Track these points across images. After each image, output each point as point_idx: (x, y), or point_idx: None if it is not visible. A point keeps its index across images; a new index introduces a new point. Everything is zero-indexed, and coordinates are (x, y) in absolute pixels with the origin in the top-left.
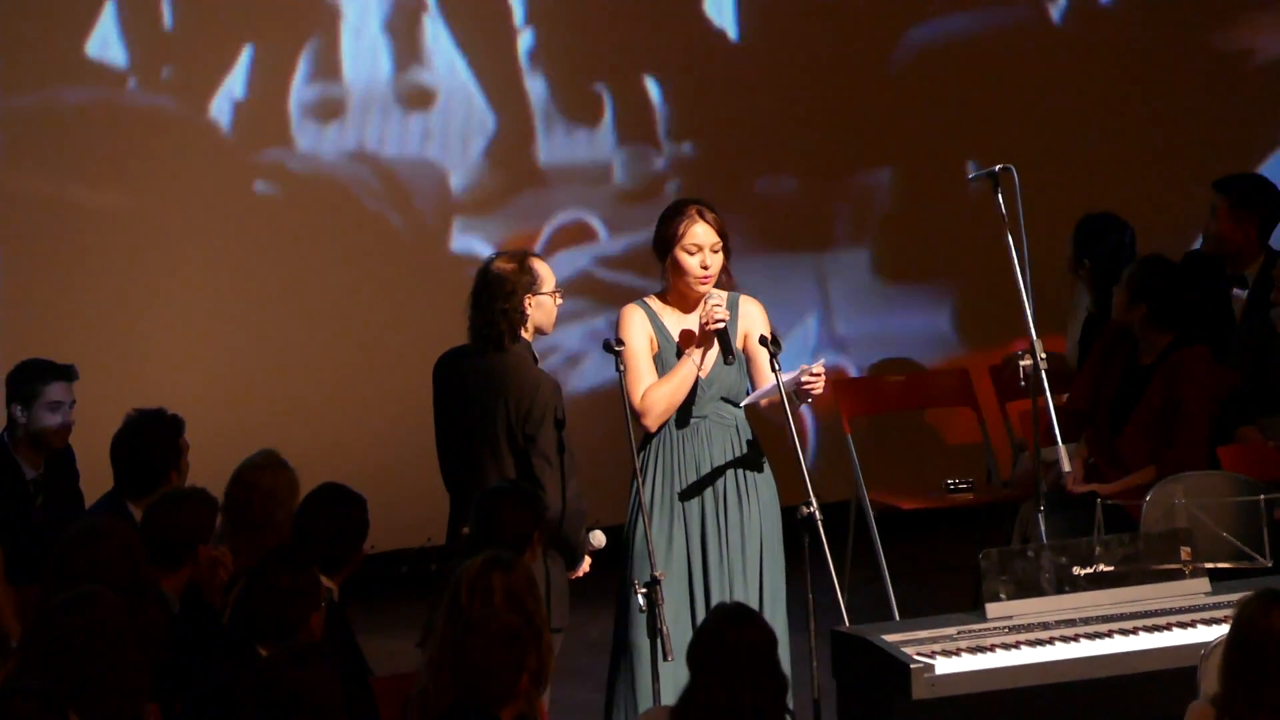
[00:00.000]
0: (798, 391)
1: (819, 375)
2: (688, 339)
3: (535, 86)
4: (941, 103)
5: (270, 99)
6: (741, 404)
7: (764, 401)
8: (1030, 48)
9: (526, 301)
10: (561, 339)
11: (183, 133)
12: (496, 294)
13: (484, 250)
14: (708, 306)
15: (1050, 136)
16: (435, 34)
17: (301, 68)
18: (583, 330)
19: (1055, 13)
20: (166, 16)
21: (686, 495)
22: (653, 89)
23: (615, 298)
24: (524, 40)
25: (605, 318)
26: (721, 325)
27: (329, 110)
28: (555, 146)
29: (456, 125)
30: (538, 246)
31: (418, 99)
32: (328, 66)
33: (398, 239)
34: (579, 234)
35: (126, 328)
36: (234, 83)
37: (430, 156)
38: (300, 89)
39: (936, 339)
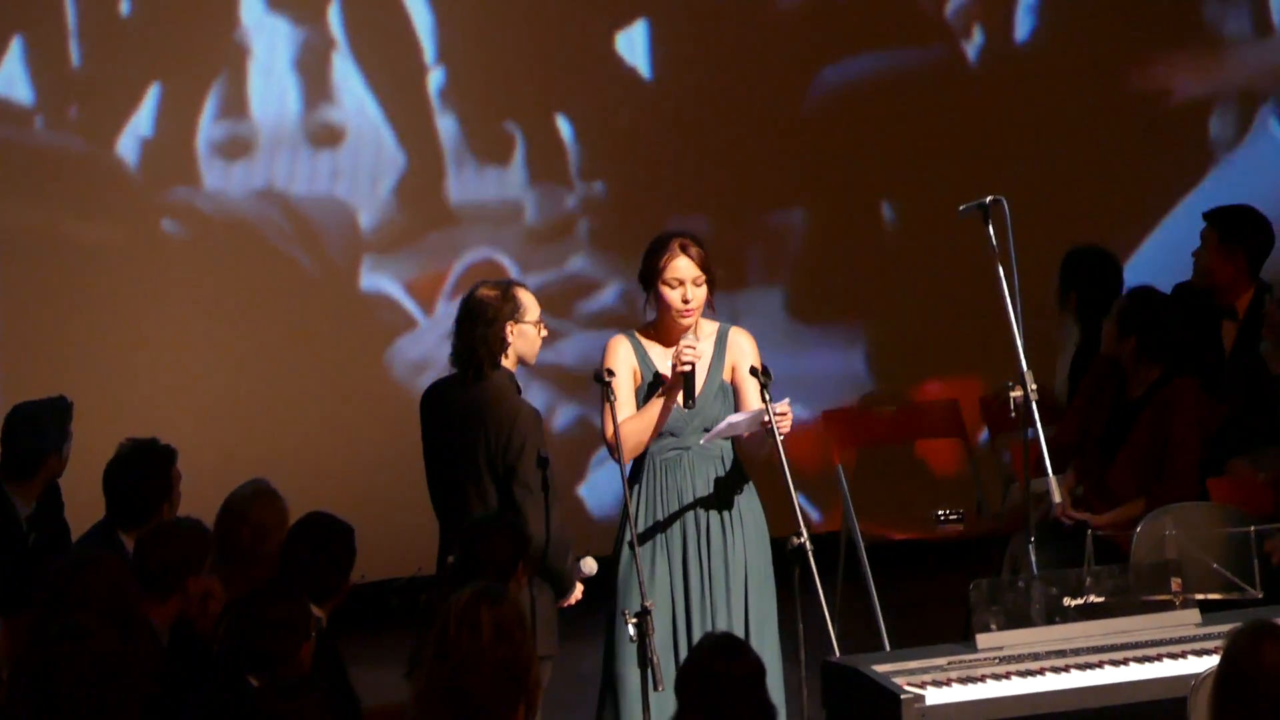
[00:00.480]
0: (763, 429)
1: (785, 414)
2: (664, 378)
3: (446, 125)
4: (856, 143)
5: (178, 137)
6: (702, 440)
7: (746, 435)
8: (945, 88)
9: (508, 329)
10: None
11: (90, 171)
12: (478, 320)
13: (393, 289)
14: (680, 347)
15: (966, 176)
16: (345, 72)
17: (210, 106)
18: None
19: (971, 52)
20: (74, 54)
21: (669, 526)
22: (564, 128)
23: None
24: (434, 79)
25: None
26: (689, 369)
27: (237, 149)
28: (465, 185)
29: (366, 164)
30: (447, 286)
31: (327, 137)
32: (236, 105)
33: (306, 278)
34: (489, 273)
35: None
36: (141, 121)
37: (339, 195)
38: (208, 127)
39: (848, 379)
